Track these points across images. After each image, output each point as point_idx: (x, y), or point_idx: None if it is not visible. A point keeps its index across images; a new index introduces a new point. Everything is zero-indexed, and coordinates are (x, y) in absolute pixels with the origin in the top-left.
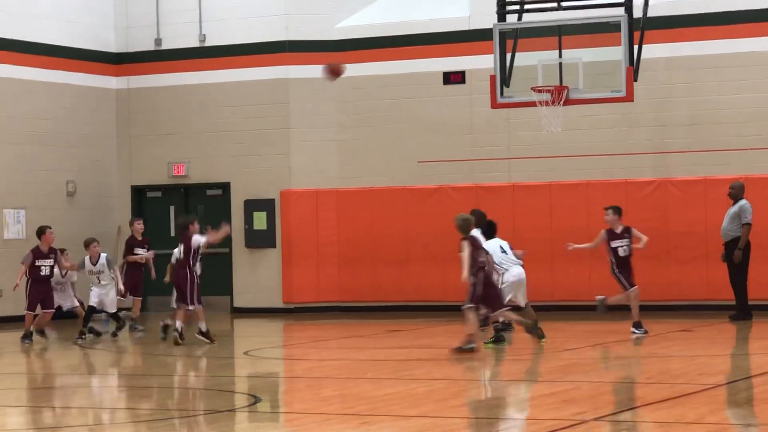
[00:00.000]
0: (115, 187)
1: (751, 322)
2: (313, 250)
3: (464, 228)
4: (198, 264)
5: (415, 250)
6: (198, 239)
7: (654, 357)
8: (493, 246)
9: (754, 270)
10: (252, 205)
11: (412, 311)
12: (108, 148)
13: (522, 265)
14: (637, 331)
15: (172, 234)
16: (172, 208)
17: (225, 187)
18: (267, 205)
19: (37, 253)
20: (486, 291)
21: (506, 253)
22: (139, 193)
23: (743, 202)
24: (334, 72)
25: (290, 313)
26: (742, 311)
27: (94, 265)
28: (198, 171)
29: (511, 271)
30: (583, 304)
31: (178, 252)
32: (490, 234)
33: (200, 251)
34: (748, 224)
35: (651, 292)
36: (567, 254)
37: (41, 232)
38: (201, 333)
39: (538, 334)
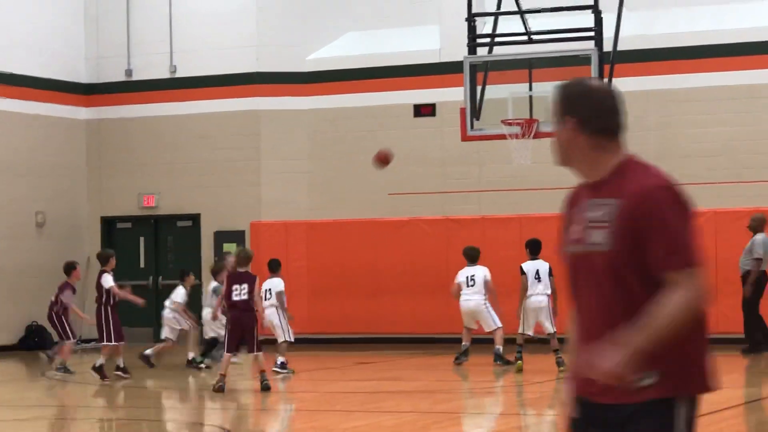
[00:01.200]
0: (85, 218)
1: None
2: (284, 281)
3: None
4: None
5: (385, 283)
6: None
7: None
8: (537, 267)
9: (722, 304)
10: (222, 237)
11: (382, 343)
12: (78, 178)
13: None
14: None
15: (142, 265)
16: (142, 239)
17: (195, 218)
18: (237, 237)
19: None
20: None
21: (538, 279)
22: (108, 224)
23: (757, 236)
24: (383, 159)
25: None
26: (753, 345)
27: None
28: (168, 202)
29: (532, 299)
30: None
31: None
32: (535, 253)
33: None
34: (756, 259)
35: None
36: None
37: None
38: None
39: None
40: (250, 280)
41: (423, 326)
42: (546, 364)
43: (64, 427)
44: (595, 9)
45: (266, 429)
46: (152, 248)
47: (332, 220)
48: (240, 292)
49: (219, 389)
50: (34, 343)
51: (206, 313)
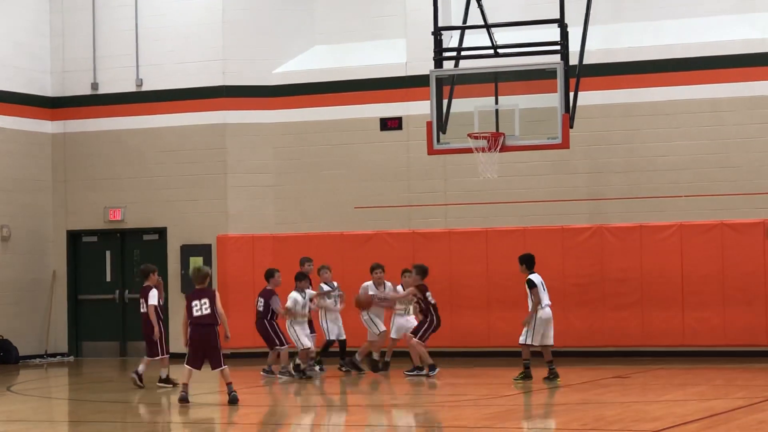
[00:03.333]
0: (51, 232)
1: None
2: (250, 295)
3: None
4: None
5: (350, 296)
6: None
7: (589, 403)
8: (540, 279)
9: (688, 317)
10: (188, 251)
11: (349, 356)
12: (43, 192)
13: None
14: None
15: (108, 279)
16: (108, 253)
17: (161, 232)
18: (203, 251)
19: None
20: None
21: (545, 291)
22: (74, 238)
23: None
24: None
25: (226, 358)
26: None
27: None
28: (134, 216)
29: (547, 309)
30: (519, 350)
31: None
32: (532, 267)
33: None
34: None
35: (586, 338)
36: (503, 300)
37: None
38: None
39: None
40: (210, 295)
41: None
42: (513, 377)
43: None
44: (561, 23)
45: None
46: (118, 262)
47: (299, 234)
48: (201, 308)
49: (182, 399)
50: None
51: None
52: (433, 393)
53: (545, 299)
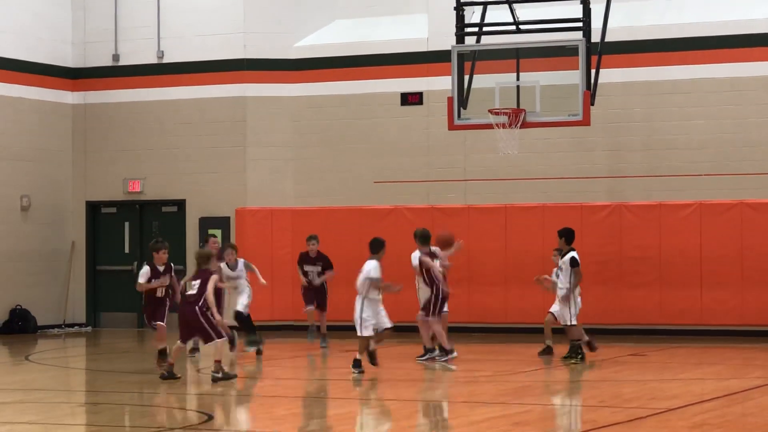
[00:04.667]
0: (70, 203)
1: None
2: (268, 268)
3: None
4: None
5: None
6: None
7: (606, 381)
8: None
9: (705, 297)
10: (207, 223)
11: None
12: (63, 163)
13: None
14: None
15: (127, 250)
16: (126, 224)
17: (180, 204)
18: (222, 223)
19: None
20: None
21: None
22: (93, 209)
23: None
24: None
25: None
26: None
27: (233, 271)
28: (153, 188)
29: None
30: (537, 327)
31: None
32: (570, 241)
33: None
34: None
35: (604, 316)
36: (521, 277)
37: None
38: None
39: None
40: (204, 276)
41: (407, 314)
42: (531, 353)
43: (47, 410)
44: None
45: (249, 415)
46: (137, 233)
47: (317, 208)
48: (194, 287)
49: (166, 376)
50: (17, 327)
51: None
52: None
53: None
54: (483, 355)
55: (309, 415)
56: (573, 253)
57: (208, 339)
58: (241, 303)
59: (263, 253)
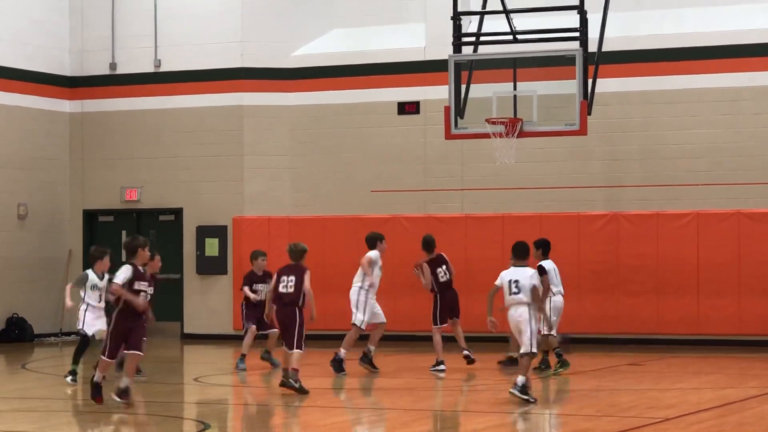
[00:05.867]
0: (67, 211)
1: None
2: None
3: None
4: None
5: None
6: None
7: (604, 390)
8: (552, 266)
9: (703, 305)
10: (204, 232)
11: (363, 339)
12: (60, 171)
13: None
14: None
15: (124, 259)
16: (123, 233)
17: (177, 212)
18: (219, 232)
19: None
20: None
21: (557, 277)
22: (91, 217)
23: None
24: None
25: (241, 339)
26: None
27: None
28: (151, 196)
29: (558, 296)
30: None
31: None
32: (547, 253)
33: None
34: None
35: (601, 324)
36: None
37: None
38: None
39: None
40: (299, 273)
41: (404, 324)
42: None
43: (44, 419)
44: (581, 9)
45: (245, 423)
46: None
47: (314, 216)
48: (287, 285)
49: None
50: (14, 335)
51: None
52: (446, 377)
53: (558, 287)
54: (479, 364)
55: (306, 424)
56: (542, 263)
57: (292, 346)
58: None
59: None
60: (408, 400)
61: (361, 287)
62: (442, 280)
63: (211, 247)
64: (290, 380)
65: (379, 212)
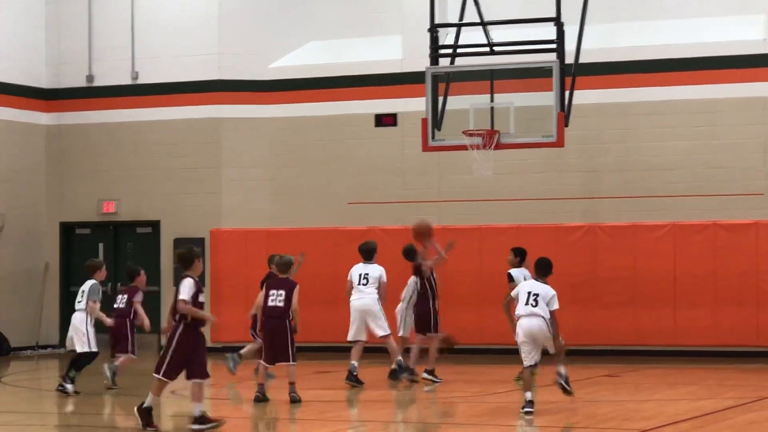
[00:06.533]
0: (44, 224)
1: None
2: (243, 289)
3: None
4: None
5: (343, 291)
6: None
7: (581, 401)
8: (524, 274)
9: (680, 317)
10: (182, 244)
11: (341, 352)
12: (37, 183)
13: None
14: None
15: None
16: (101, 245)
17: (155, 225)
18: (197, 244)
19: None
20: None
21: None
22: (68, 229)
23: None
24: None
25: (218, 351)
26: None
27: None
28: (128, 208)
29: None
30: (512, 348)
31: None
32: (521, 263)
33: None
34: None
35: (578, 336)
36: (496, 297)
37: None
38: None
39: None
40: (288, 287)
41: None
42: (505, 374)
43: None
44: (558, 21)
45: None
46: (111, 254)
47: (292, 229)
48: (275, 299)
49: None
50: None
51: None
52: (424, 389)
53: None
54: (456, 376)
55: None
56: (512, 271)
57: (288, 359)
58: None
59: (238, 273)
60: (386, 411)
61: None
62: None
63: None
64: (292, 393)
65: (357, 224)
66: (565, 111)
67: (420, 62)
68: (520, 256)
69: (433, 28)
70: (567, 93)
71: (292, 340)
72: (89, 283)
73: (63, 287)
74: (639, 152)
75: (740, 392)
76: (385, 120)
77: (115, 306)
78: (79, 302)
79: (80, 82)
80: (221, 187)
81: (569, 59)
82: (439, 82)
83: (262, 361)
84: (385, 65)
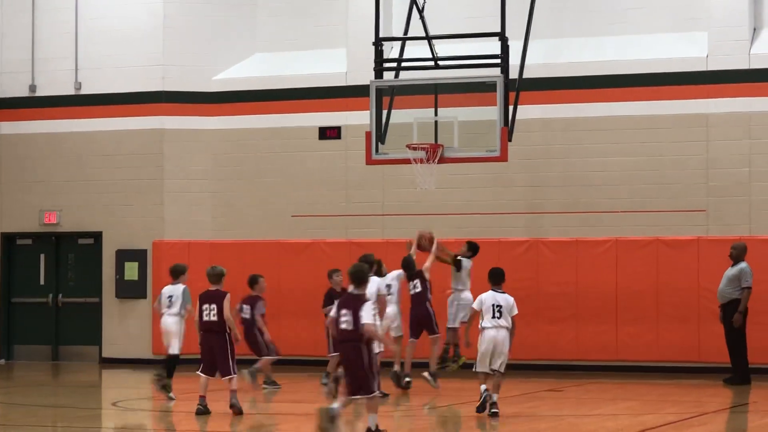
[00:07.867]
0: None
1: (749, 387)
2: None
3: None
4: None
5: (286, 305)
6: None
7: (522, 416)
8: (470, 265)
9: (622, 332)
10: (124, 255)
11: (282, 365)
12: None
13: None
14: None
15: (42, 282)
16: (42, 256)
17: (97, 236)
18: (139, 256)
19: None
20: None
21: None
22: (9, 240)
23: (743, 264)
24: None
25: (160, 364)
26: (739, 375)
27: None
28: (70, 219)
29: (467, 293)
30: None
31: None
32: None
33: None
34: (749, 288)
35: (521, 351)
36: (437, 310)
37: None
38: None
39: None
40: (218, 299)
41: (322, 349)
42: (447, 388)
43: None
44: (502, 36)
45: None
46: (53, 265)
47: (235, 241)
48: (209, 313)
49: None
50: None
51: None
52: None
53: (467, 285)
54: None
55: None
56: (462, 259)
57: (228, 372)
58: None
59: None
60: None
61: None
62: (411, 293)
63: (131, 270)
64: (234, 401)
65: (300, 237)
66: (508, 126)
67: (364, 75)
68: (472, 250)
69: (378, 42)
70: (511, 108)
71: (232, 353)
72: (180, 287)
73: (4, 298)
74: (582, 168)
75: (681, 408)
76: (329, 133)
77: (243, 316)
78: (169, 307)
79: (22, 92)
80: (164, 199)
81: (513, 74)
82: (384, 96)
83: (200, 373)
84: (329, 78)
